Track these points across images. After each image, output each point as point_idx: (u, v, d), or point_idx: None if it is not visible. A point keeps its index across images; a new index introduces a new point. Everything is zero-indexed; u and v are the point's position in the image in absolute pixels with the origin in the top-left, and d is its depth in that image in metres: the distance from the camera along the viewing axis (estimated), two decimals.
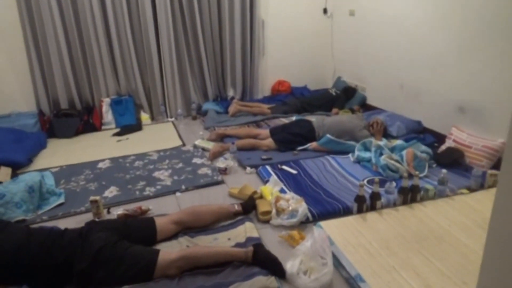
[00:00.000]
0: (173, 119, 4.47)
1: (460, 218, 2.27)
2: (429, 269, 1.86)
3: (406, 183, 2.42)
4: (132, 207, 2.48)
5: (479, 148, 2.90)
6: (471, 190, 2.61)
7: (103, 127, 4.24)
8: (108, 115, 4.26)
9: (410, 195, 2.44)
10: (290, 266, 1.91)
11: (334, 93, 4.46)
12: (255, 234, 2.20)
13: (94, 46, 4.07)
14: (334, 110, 4.24)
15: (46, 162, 3.35)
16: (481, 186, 2.63)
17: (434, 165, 2.96)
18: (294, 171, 2.95)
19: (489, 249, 1.23)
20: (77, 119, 4.07)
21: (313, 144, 3.36)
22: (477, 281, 1.29)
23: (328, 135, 3.30)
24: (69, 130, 4.00)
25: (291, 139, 3.39)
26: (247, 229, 2.24)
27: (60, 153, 3.59)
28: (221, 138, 3.66)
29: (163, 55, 4.30)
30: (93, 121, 4.16)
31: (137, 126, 4.19)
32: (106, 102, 4.26)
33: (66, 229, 2.02)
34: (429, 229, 2.18)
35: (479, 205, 2.38)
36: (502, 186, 1.17)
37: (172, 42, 4.29)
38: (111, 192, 2.78)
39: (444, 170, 2.55)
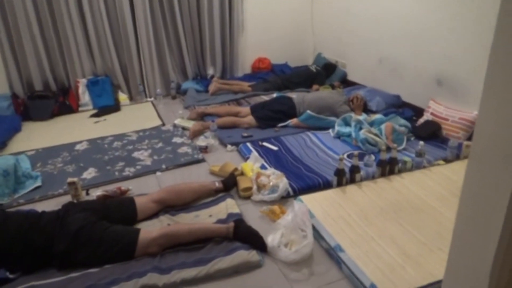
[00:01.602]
0: (152, 98, 4.39)
1: (436, 188, 2.33)
2: (406, 237, 1.92)
3: (385, 156, 2.46)
4: (111, 187, 2.46)
5: (456, 120, 2.96)
6: (448, 161, 2.66)
7: (80, 108, 4.13)
8: (84, 96, 4.15)
9: (388, 168, 2.49)
10: (271, 239, 1.93)
11: (314, 70, 4.44)
12: (236, 210, 2.21)
13: (67, 25, 3.92)
14: (315, 86, 4.23)
15: (22, 146, 3.26)
16: (457, 157, 2.69)
17: (413, 138, 3.01)
18: (275, 148, 2.95)
19: (461, 215, 1.26)
20: (53, 101, 3.95)
21: (293, 121, 3.36)
22: (450, 246, 1.33)
23: (309, 111, 3.30)
24: (45, 112, 3.89)
25: (271, 116, 3.38)
26: (228, 206, 2.25)
27: (35, 136, 3.50)
28: (202, 116, 3.62)
29: (139, 33, 4.18)
30: (69, 103, 4.05)
31: (115, 107, 4.10)
32: (82, 82, 4.14)
33: (43, 212, 1.99)
34: (407, 199, 2.23)
35: (454, 175, 2.44)
36: (473, 155, 1.19)
37: (148, 20, 4.17)
38: (90, 173, 2.73)
39: (421, 143, 2.59)
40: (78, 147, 3.17)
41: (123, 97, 4.32)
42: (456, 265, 1.32)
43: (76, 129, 3.60)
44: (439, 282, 1.54)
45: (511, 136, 1.03)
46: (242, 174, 2.58)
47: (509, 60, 1.00)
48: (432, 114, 3.17)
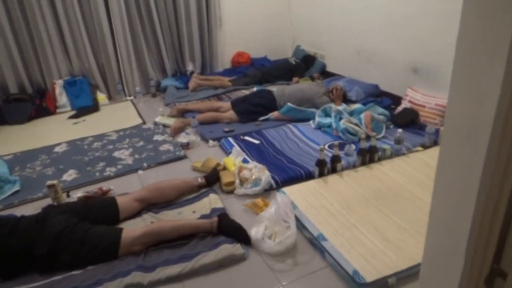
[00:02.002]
0: (131, 97, 4.33)
1: (415, 174, 2.38)
2: (387, 223, 1.95)
3: (365, 144, 2.49)
4: (92, 188, 2.43)
5: (432, 106, 3.02)
6: (426, 147, 2.72)
7: (58, 110, 4.05)
8: (62, 98, 4.07)
9: (368, 156, 2.52)
10: (255, 232, 1.94)
11: (294, 62, 4.45)
12: (219, 205, 2.22)
13: (40, 25, 3.83)
14: (295, 79, 4.25)
15: None
16: (435, 143, 2.75)
17: (391, 126, 3.06)
18: (256, 141, 2.96)
19: (436, 198, 1.29)
20: (29, 104, 3.87)
21: (274, 114, 3.37)
22: (427, 228, 1.36)
23: (289, 104, 3.32)
24: (22, 115, 3.80)
25: (252, 109, 3.39)
26: (212, 201, 2.25)
27: (13, 140, 3.42)
28: (182, 113, 3.59)
29: (116, 31, 4.12)
30: (46, 105, 3.97)
31: (94, 107, 4.04)
32: (59, 84, 4.06)
33: (22, 216, 1.96)
34: (387, 186, 2.27)
35: (432, 160, 2.49)
36: (444, 139, 1.23)
37: (124, 18, 4.10)
38: (70, 175, 2.69)
39: (400, 130, 2.64)
40: (57, 149, 3.11)
41: (101, 97, 4.25)
42: (433, 246, 1.36)
43: (55, 131, 3.54)
44: (419, 265, 1.58)
45: (477, 117, 1.07)
46: (224, 168, 2.58)
47: (473, 46, 1.03)
48: (409, 101, 3.22)
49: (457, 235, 1.20)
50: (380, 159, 2.56)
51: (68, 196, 2.43)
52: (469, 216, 1.14)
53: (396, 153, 2.61)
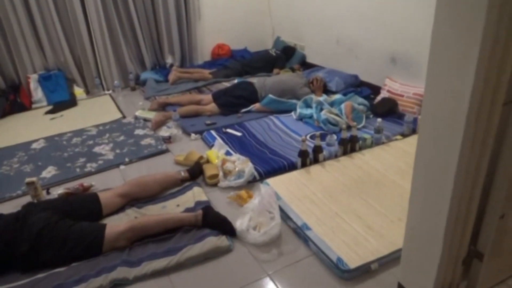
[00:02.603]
0: (110, 91, 4.26)
1: (395, 162, 2.43)
2: (369, 211, 2.00)
3: (346, 134, 2.53)
4: (73, 185, 2.39)
5: (410, 96, 3.08)
6: (405, 135, 2.78)
7: (33, 105, 3.94)
8: (37, 92, 3.97)
9: (349, 146, 2.57)
10: (240, 223, 1.96)
11: (274, 54, 4.46)
12: (203, 198, 2.22)
13: (12, 18, 3.70)
14: (275, 70, 4.25)
15: None
16: (413, 131, 2.81)
17: (371, 116, 3.11)
18: (238, 133, 2.96)
19: (415, 184, 1.34)
20: (3, 99, 3.75)
21: (256, 105, 3.38)
22: (407, 214, 1.41)
23: (270, 95, 3.33)
24: None
25: (234, 102, 3.38)
26: (196, 194, 2.25)
27: None
28: (163, 107, 3.56)
29: (91, 23, 4.02)
30: (21, 100, 3.86)
31: (71, 102, 3.95)
32: (33, 78, 3.94)
33: (1, 215, 1.92)
34: (368, 175, 2.32)
35: (411, 148, 2.53)
36: (422, 128, 1.26)
37: (100, 8, 4.00)
38: (49, 172, 2.64)
39: (379, 119, 2.68)
40: (34, 145, 3.04)
41: (79, 91, 4.17)
42: (413, 231, 1.41)
43: (31, 127, 3.45)
44: (400, 250, 1.63)
45: (453, 104, 1.10)
46: (207, 161, 2.58)
47: (448, 33, 1.06)
48: (388, 91, 3.28)
49: (436, 219, 1.25)
50: (361, 149, 2.60)
51: (48, 193, 2.38)
52: (447, 200, 1.19)
53: (376, 142, 2.66)
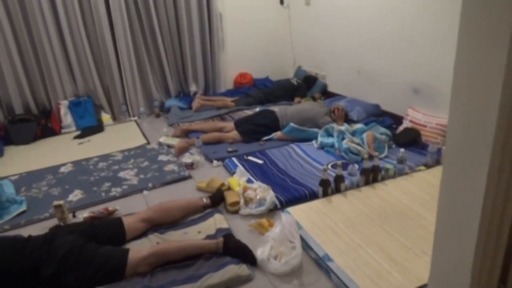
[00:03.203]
0: (135, 118, 4.39)
1: (419, 193, 2.40)
2: (392, 243, 1.96)
3: (368, 164, 2.52)
4: (98, 208, 2.44)
5: (433, 126, 3.06)
6: (428, 166, 2.75)
7: (62, 130, 4.10)
8: (67, 118, 4.13)
9: (371, 176, 2.55)
10: (261, 252, 1.95)
11: (295, 83, 4.53)
12: (224, 225, 2.23)
13: (46, 47, 3.92)
14: (297, 99, 4.31)
15: (4, 171, 3.21)
16: (437, 162, 2.77)
17: (393, 146, 3.09)
18: (260, 161, 2.99)
19: (440, 218, 1.32)
20: (35, 124, 3.92)
21: (277, 134, 3.41)
22: (432, 248, 1.38)
23: (292, 124, 3.36)
24: (27, 135, 3.85)
25: (255, 129, 3.43)
26: (217, 221, 2.27)
27: (18, 160, 3.46)
28: (186, 133, 3.64)
29: (120, 52, 4.21)
30: (51, 125, 4.02)
31: (98, 127, 4.09)
32: (63, 104, 4.12)
33: (29, 236, 1.97)
34: (391, 206, 2.29)
35: (435, 180, 2.52)
36: (446, 159, 1.26)
37: (129, 39, 4.20)
38: (76, 195, 2.71)
39: (402, 150, 2.67)
40: (62, 169, 3.14)
41: (106, 117, 4.31)
42: (439, 266, 1.37)
43: (60, 151, 3.57)
44: (425, 285, 1.58)
45: (478, 138, 1.10)
46: (229, 189, 2.60)
47: (471, 66, 1.07)
48: (410, 121, 3.27)
49: (462, 254, 1.22)
50: (383, 179, 2.58)
51: (74, 216, 2.45)
52: (474, 235, 1.16)
53: (399, 173, 2.63)
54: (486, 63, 1.02)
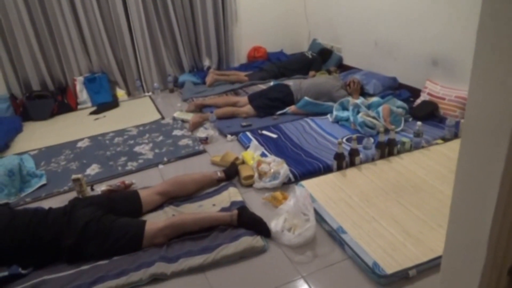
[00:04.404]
0: (150, 93, 4.40)
1: (435, 167, 2.36)
2: (407, 216, 1.96)
3: (383, 138, 2.48)
4: (115, 182, 2.49)
5: (452, 99, 2.98)
6: (446, 140, 2.69)
7: (78, 106, 4.15)
8: (82, 94, 4.17)
9: (387, 149, 2.51)
10: (274, 224, 1.97)
11: (310, 56, 4.44)
12: (239, 198, 2.25)
13: (61, 24, 3.92)
14: (311, 73, 4.24)
15: (24, 146, 3.29)
16: (455, 136, 2.72)
17: (410, 119, 3.03)
18: (274, 135, 2.98)
19: (457, 190, 1.29)
20: (51, 100, 3.97)
21: (291, 108, 3.38)
22: (448, 221, 1.37)
23: (306, 98, 3.32)
24: (44, 111, 3.91)
25: (269, 104, 3.40)
26: (231, 194, 2.29)
27: (37, 135, 3.53)
28: (200, 108, 3.64)
29: (133, 28, 4.18)
30: (68, 101, 4.07)
31: (113, 103, 4.12)
32: (79, 80, 4.15)
33: (50, 209, 2.03)
34: (406, 179, 2.26)
35: (453, 153, 2.47)
36: (465, 131, 1.23)
37: (142, 15, 4.16)
38: (93, 169, 2.77)
39: (419, 123, 2.61)
40: (80, 144, 3.20)
41: (121, 93, 4.34)
42: (455, 239, 1.36)
43: (77, 127, 3.63)
44: (439, 257, 1.58)
45: (499, 110, 1.06)
46: (243, 163, 2.61)
47: (495, 37, 1.02)
48: (428, 94, 3.19)
49: (479, 227, 1.20)
50: (399, 152, 2.54)
51: (92, 189, 2.51)
52: (491, 208, 1.14)
53: (416, 146, 2.59)
54: (510, 32, 0.97)
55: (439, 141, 2.69)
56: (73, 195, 2.40)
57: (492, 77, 1.07)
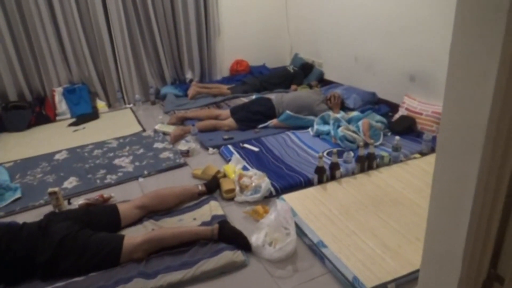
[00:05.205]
0: (131, 105, 4.36)
1: (413, 180, 2.41)
2: (386, 229, 1.98)
3: (363, 152, 2.52)
4: (93, 196, 2.44)
5: (429, 114, 3.06)
6: (423, 154, 2.75)
7: (57, 117, 4.07)
8: (61, 105, 4.10)
9: (367, 163, 2.55)
10: (255, 239, 1.96)
11: (292, 70, 4.50)
12: (220, 212, 2.24)
13: (40, 34, 3.86)
14: (293, 86, 4.29)
15: None
16: (432, 150, 2.78)
17: (389, 133, 3.09)
18: (256, 149, 2.99)
19: (432, 204, 1.32)
20: (29, 111, 3.89)
21: (273, 121, 3.41)
22: (425, 234, 1.39)
23: (288, 111, 3.35)
24: (21, 122, 3.82)
25: (251, 117, 3.42)
26: (212, 208, 2.27)
27: (12, 147, 3.44)
28: (182, 121, 3.62)
29: (115, 39, 4.15)
30: (46, 112, 4.00)
31: (93, 115, 4.06)
32: (58, 91, 4.08)
33: (24, 223, 1.97)
34: (385, 193, 2.30)
35: (430, 167, 2.52)
36: (439, 146, 1.26)
37: (123, 25, 4.14)
38: (71, 182, 2.71)
39: (397, 137, 2.67)
40: (57, 156, 3.13)
41: (101, 104, 4.28)
42: (431, 252, 1.39)
43: (55, 138, 3.56)
44: (417, 271, 1.60)
45: (471, 125, 1.10)
46: (224, 176, 2.60)
47: (465, 55, 1.06)
48: (406, 109, 3.27)
49: (454, 240, 1.23)
50: (378, 166, 2.59)
51: (69, 203, 2.45)
52: (466, 221, 1.17)
53: (394, 160, 2.64)
54: (481, 50, 1.01)
55: (417, 155, 2.75)
56: (49, 209, 2.34)
57: (463, 94, 1.11)
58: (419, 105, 3.18)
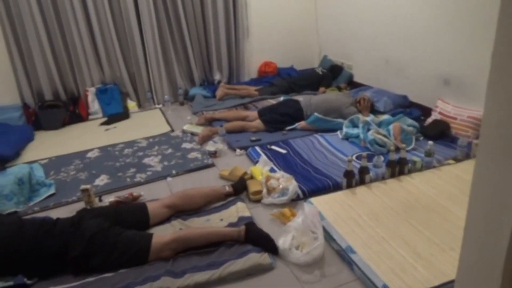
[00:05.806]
0: (160, 105, 4.44)
1: (446, 187, 2.32)
2: (417, 237, 1.92)
3: (394, 156, 2.46)
4: (123, 193, 2.49)
5: (464, 118, 2.95)
6: (458, 160, 2.65)
7: (90, 117, 4.20)
8: (94, 105, 4.22)
9: (398, 168, 2.48)
10: (282, 242, 1.94)
11: (320, 72, 4.45)
12: (247, 213, 2.23)
13: (75, 36, 3.99)
14: (321, 89, 4.25)
15: (34, 155, 3.32)
16: (467, 156, 2.68)
17: (421, 138, 3.00)
18: (283, 151, 2.97)
19: (471, 213, 1.26)
20: (63, 110, 4.03)
21: (301, 123, 3.38)
22: (461, 244, 1.33)
23: (316, 114, 3.32)
24: (56, 121, 3.96)
25: (279, 119, 3.40)
26: (239, 209, 2.27)
27: (48, 144, 3.56)
28: (210, 122, 3.65)
29: (146, 41, 4.24)
30: (79, 111, 4.12)
31: (124, 114, 4.16)
32: (91, 91, 4.21)
33: (58, 219, 2.03)
34: (417, 199, 2.23)
35: (465, 174, 2.43)
36: (481, 153, 1.20)
37: (155, 28, 4.22)
38: (102, 180, 2.77)
39: (430, 142, 2.58)
40: (89, 154, 3.22)
41: (131, 104, 4.38)
42: (469, 264, 1.32)
43: (87, 137, 3.66)
44: (451, 281, 1.54)
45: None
46: (251, 177, 2.60)
47: (510, 57, 1.01)
48: (440, 113, 3.16)
49: (494, 252, 1.17)
50: (410, 172, 2.51)
51: (100, 200, 2.51)
52: (508, 231, 1.11)
53: (427, 166, 2.56)
54: None
55: (451, 161, 2.65)
56: (81, 205, 2.41)
57: (507, 98, 1.05)
58: (454, 109, 3.07)
